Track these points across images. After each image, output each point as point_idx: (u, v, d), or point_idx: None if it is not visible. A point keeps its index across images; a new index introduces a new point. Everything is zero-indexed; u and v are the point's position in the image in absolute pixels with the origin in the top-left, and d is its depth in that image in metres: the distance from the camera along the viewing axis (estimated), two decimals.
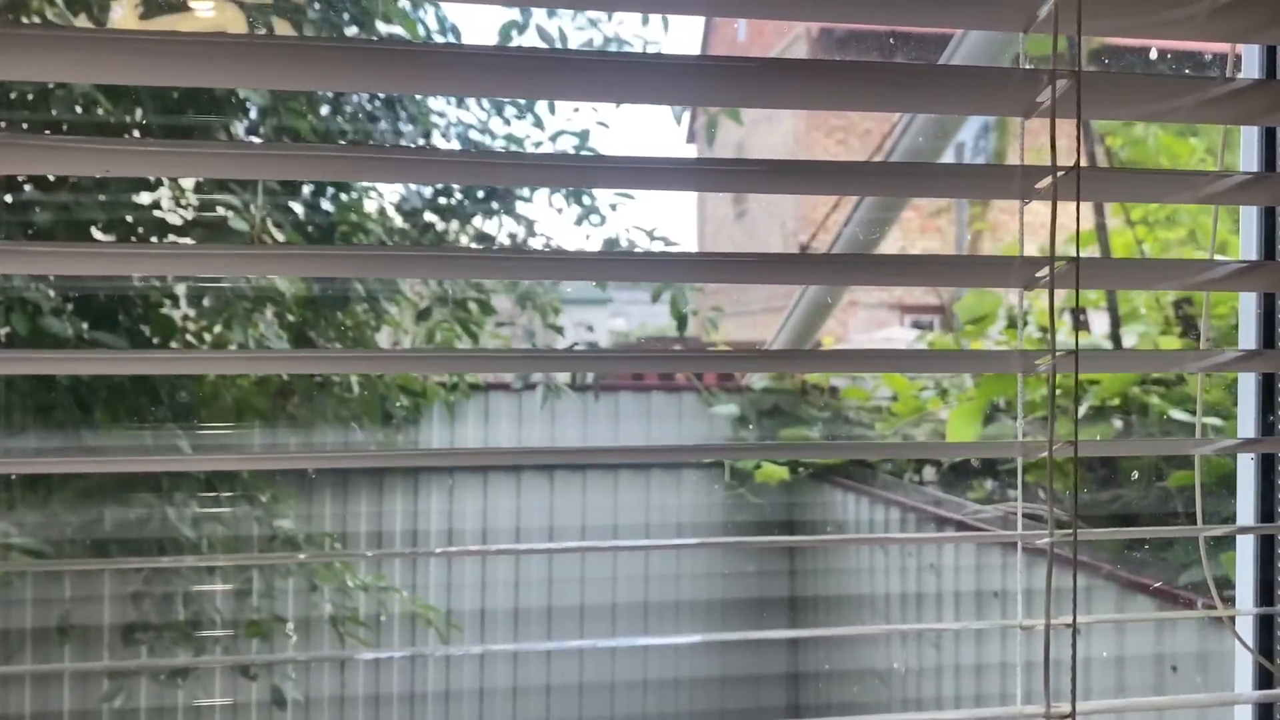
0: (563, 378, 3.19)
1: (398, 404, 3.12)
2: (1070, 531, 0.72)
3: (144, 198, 2.56)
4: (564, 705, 3.40)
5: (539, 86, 0.70)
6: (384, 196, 2.89)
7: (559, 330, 3.14)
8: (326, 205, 2.78)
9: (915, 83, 0.72)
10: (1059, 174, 0.71)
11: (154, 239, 2.48)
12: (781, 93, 0.71)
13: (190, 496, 2.49)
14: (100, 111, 2.38)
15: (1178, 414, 2.68)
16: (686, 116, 4.34)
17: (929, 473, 3.41)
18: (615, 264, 0.79)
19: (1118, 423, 2.84)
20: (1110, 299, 3.00)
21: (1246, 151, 0.81)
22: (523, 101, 2.94)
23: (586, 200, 3.05)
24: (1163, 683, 2.12)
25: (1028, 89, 0.72)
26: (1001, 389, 2.90)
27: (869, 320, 5.26)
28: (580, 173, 0.70)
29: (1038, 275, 0.74)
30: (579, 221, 3.10)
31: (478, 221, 3.11)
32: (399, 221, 2.97)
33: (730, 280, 0.72)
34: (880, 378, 3.64)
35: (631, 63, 0.68)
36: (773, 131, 6.99)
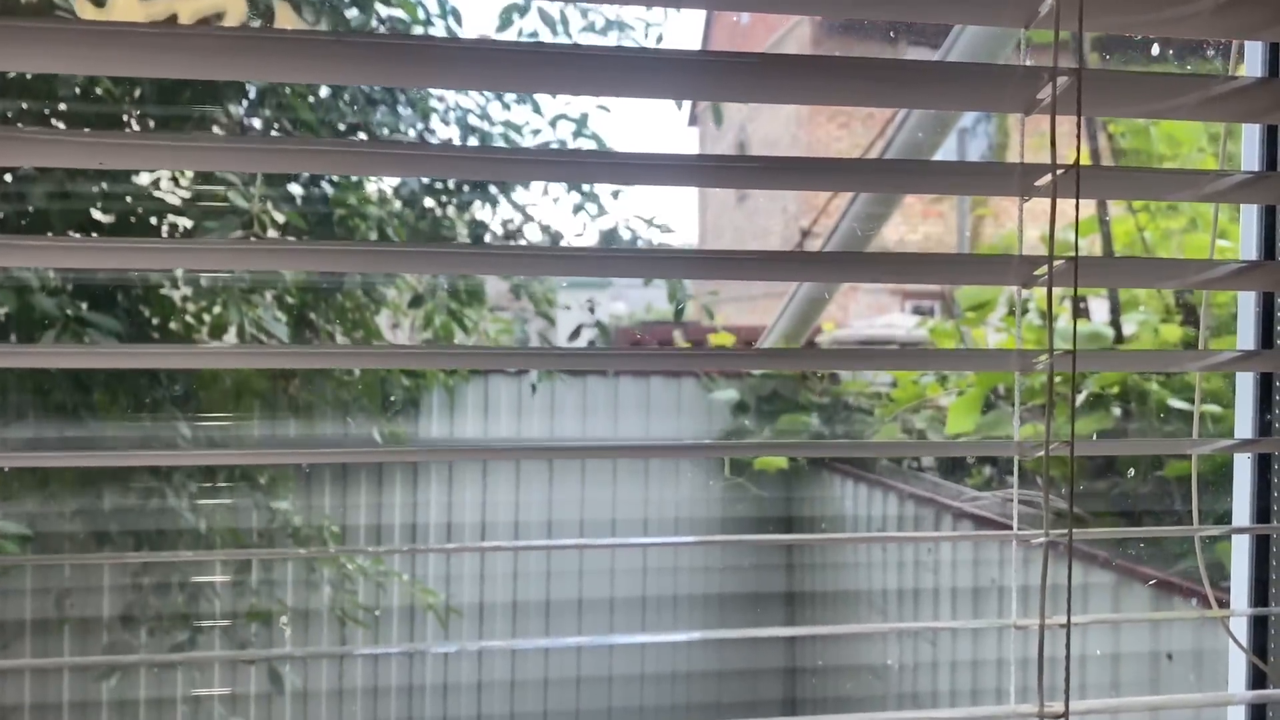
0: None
1: (398, 387, 3.11)
2: (1066, 531, 0.72)
3: (143, 176, 2.55)
4: (562, 698, 3.41)
5: (537, 81, 0.70)
6: (382, 180, 2.88)
7: (551, 320, 3.14)
8: (326, 186, 2.78)
9: (916, 80, 0.71)
10: (1059, 172, 0.71)
11: (153, 219, 2.47)
12: (781, 88, 0.71)
13: (188, 478, 2.49)
14: (99, 91, 2.37)
15: (1176, 402, 2.67)
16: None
17: (927, 459, 3.41)
18: (616, 261, 0.78)
19: (1116, 410, 2.83)
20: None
21: (1248, 149, 0.81)
22: None
23: (585, 187, 3.03)
24: (1157, 674, 2.12)
25: (1028, 86, 0.71)
26: (1002, 377, 2.89)
27: (870, 305, 5.26)
28: (580, 168, 0.70)
29: (1036, 274, 0.73)
30: (576, 210, 3.09)
31: (475, 208, 3.10)
32: (397, 205, 2.97)
33: (729, 278, 0.71)
34: None
35: (632, 58, 0.68)
36: (775, 116, 6.97)
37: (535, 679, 3.40)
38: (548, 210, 3.18)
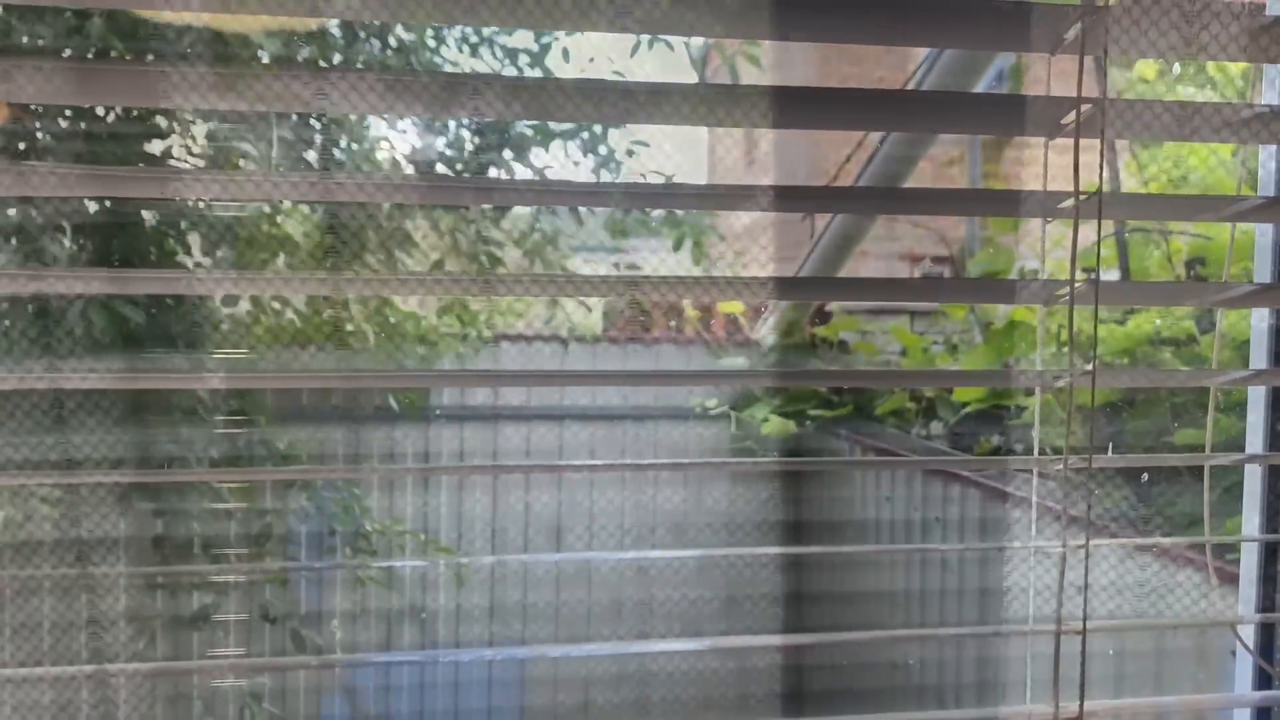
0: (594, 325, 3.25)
1: (412, 355, 3.13)
2: (1083, 543, 0.74)
3: (155, 146, 2.55)
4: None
5: (573, 111, 0.71)
6: (395, 148, 2.88)
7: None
8: (340, 155, 2.77)
9: (941, 108, 0.73)
10: (1081, 197, 0.73)
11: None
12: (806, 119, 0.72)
13: (208, 449, 2.51)
14: (113, 55, 2.36)
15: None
16: (701, 58, 4.34)
17: (936, 427, 3.43)
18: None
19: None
20: (1122, 260, 2.99)
21: (1265, 172, 0.82)
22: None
23: (603, 150, 3.02)
24: (1162, 645, 2.15)
25: (1053, 112, 0.73)
26: (1011, 348, 2.91)
27: (878, 270, 5.26)
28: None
29: (1058, 294, 0.75)
30: (595, 171, 3.09)
31: (490, 172, 3.10)
32: (410, 171, 2.97)
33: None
34: (890, 333, 3.66)
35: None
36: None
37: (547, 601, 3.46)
38: (566, 173, 3.18)
